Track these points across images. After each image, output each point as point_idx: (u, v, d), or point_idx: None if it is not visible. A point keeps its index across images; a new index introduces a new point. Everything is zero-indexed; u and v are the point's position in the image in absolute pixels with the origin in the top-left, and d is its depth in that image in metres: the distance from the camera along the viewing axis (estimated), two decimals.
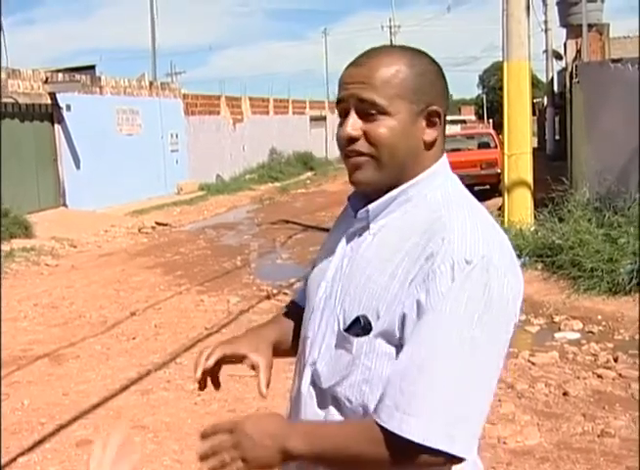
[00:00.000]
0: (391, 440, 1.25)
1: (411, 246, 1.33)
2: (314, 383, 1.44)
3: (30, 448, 4.55)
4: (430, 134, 1.39)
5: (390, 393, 1.27)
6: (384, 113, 1.35)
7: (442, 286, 1.26)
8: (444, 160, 1.44)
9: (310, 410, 1.44)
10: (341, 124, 1.40)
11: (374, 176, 1.38)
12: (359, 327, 1.35)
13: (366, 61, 1.38)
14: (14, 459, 4.40)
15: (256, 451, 1.29)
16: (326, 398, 1.41)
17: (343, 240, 1.47)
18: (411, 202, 1.39)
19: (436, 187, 1.39)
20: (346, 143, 1.38)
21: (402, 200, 1.39)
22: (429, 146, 1.40)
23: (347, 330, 1.37)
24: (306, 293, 1.56)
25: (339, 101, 1.40)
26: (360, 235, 1.43)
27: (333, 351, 1.40)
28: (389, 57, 1.38)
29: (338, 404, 1.38)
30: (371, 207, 1.40)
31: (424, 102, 1.37)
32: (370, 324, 1.34)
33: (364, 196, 1.44)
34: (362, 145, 1.37)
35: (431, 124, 1.39)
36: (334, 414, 1.39)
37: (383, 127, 1.35)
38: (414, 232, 1.34)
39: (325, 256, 1.52)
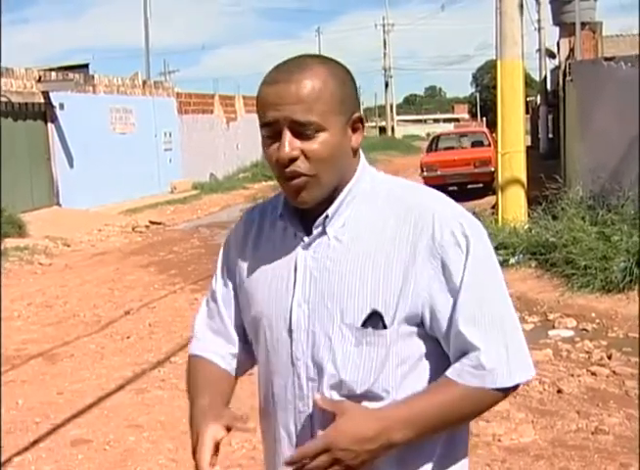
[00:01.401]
0: (488, 394, 1.38)
1: (393, 233, 1.39)
2: (341, 395, 1.41)
3: (25, 448, 4.55)
4: (356, 140, 1.43)
5: (469, 357, 1.37)
6: (319, 129, 1.36)
7: (454, 254, 1.37)
8: (359, 153, 1.48)
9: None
10: (269, 145, 1.38)
11: (319, 193, 1.40)
12: (378, 320, 1.38)
13: (289, 77, 1.35)
14: (9, 459, 4.39)
15: (362, 457, 1.32)
16: (358, 401, 1.39)
17: (295, 258, 1.45)
18: (357, 198, 1.44)
19: (372, 179, 1.47)
20: (287, 163, 1.36)
21: (349, 199, 1.44)
22: (355, 151, 1.45)
23: (365, 326, 1.38)
24: (255, 331, 1.53)
25: (268, 123, 1.37)
26: (316, 243, 1.44)
27: (354, 354, 1.39)
28: (312, 70, 1.36)
29: (373, 399, 1.40)
30: (330, 212, 1.42)
31: (350, 111, 1.41)
32: (383, 317, 1.38)
33: (295, 209, 1.45)
34: (302, 164, 1.36)
35: (355, 130, 1.43)
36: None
37: (319, 144, 1.36)
38: (389, 221, 1.40)
39: (268, 286, 1.48)
